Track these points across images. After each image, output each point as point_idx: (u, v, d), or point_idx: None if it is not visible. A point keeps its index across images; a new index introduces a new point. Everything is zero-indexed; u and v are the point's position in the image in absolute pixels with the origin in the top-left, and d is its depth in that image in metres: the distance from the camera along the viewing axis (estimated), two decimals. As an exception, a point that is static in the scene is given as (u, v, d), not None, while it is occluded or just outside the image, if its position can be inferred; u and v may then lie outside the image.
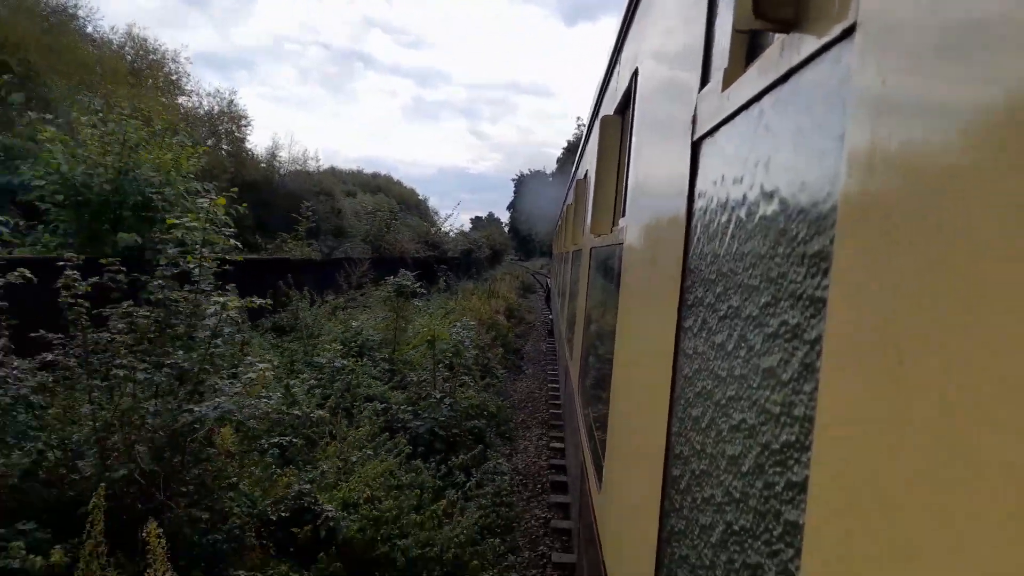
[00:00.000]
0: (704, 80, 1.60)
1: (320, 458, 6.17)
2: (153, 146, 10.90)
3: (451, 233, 37.52)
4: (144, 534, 3.52)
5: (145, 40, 26.64)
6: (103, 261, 4.94)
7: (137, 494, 4.26)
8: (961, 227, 0.56)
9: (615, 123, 4.38)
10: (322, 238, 21.94)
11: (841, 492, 0.70)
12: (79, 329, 4.56)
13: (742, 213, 1.18)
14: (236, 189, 7.07)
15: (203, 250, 5.15)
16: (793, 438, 0.86)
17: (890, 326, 0.62)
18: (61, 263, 4.59)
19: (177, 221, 5.26)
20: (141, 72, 24.46)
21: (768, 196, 1.04)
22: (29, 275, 4.64)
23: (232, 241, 5.42)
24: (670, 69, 2.16)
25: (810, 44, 0.88)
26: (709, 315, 1.37)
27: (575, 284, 7.78)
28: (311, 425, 6.60)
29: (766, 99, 1.09)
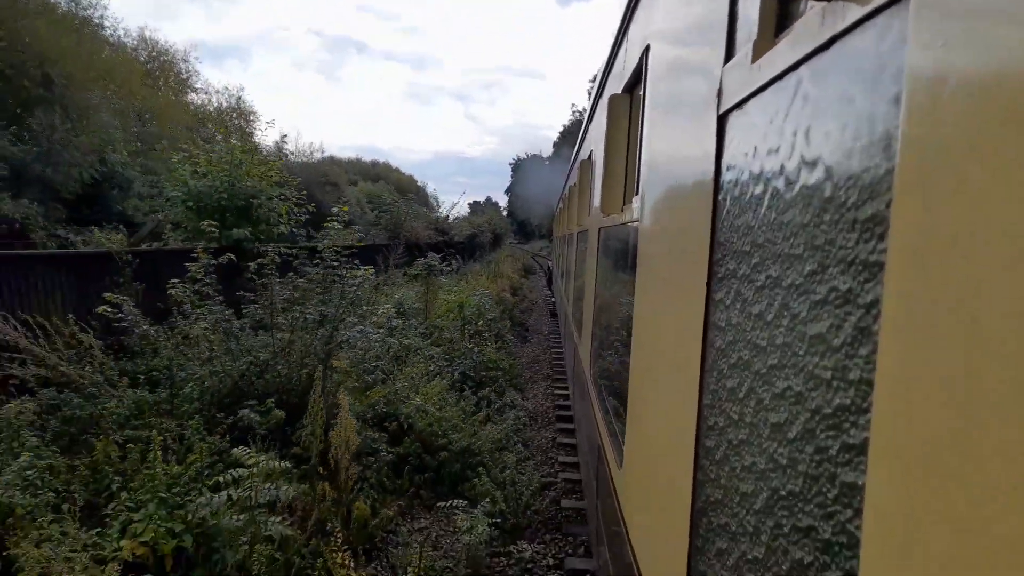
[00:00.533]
0: (729, 53, 1.60)
1: (397, 379, 8.80)
2: (249, 163, 14.33)
3: (450, 219, 40.53)
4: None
5: (156, 42, 30.10)
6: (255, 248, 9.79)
7: (304, 385, 7.36)
8: None
9: (623, 102, 4.36)
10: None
11: (904, 454, 0.71)
12: (267, 290, 8.07)
13: (779, 183, 1.19)
14: (305, 192, 10.67)
15: (333, 241, 8.64)
16: (848, 402, 0.87)
17: (962, 287, 0.63)
18: (254, 249, 9.65)
19: (330, 224, 8.72)
20: (154, 73, 27.10)
21: (811, 165, 1.04)
22: (234, 259, 8.51)
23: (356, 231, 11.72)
24: (688, 44, 2.16)
25: (857, 10, 0.88)
26: (744, 286, 1.38)
27: (582, 265, 7.79)
28: (390, 358, 9.66)
29: (804, 68, 1.09)
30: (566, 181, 15.40)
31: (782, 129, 1.18)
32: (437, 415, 7.80)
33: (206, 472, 5.18)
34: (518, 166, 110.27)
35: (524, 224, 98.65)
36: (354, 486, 6.03)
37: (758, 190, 1.32)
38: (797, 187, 1.10)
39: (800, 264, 1.07)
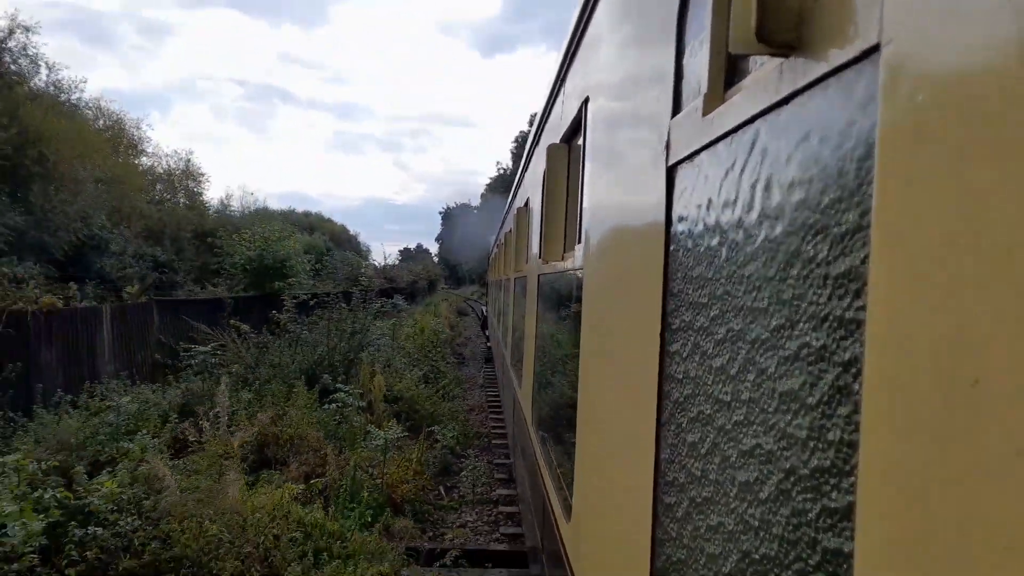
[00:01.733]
0: (677, 107, 1.62)
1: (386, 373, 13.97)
2: (279, 237, 24.66)
3: (376, 265, 49.04)
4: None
5: (111, 111, 34.82)
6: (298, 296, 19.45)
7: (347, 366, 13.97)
8: (1016, 240, 0.56)
9: (562, 151, 4.43)
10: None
11: (900, 518, 0.68)
12: (322, 319, 15.62)
13: (739, 235, 1.18)
14: (309, 256, 23.82)
15: (363, 289, 19.34)
16: (828, 463, 0.84)
17: (956, 347, 0.61)
18: (283, 298, 18.06)
19: (362, 278, 24.95)
20: (113, 140, 32.22)
21: (773, 218, 1.03)
22: (307, 299, 19.52)
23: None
24: (632, 97, 2.19)
25: (819, 66, 0.89)
26: (702, 338, 1.36)
27: (520, 311, 7.77)
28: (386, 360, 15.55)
29: (761, 122, 1.10)
30: (500, 227, 15.54)
31: (739, 181, 1.18)
32: (416, 392, 13.32)
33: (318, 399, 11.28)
34: (448, 215, 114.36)
35: (455, 270, 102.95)
36: (381, 416, 11.31)
37: (714, 241, 1.31)
38: (759, 239, 1.09)
39: (765, 318, 1.05)
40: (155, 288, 21.84)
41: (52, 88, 26.60)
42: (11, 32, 23.65)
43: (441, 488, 9.54)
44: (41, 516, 5.84)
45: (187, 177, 37.62)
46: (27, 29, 24.08)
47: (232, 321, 10.46)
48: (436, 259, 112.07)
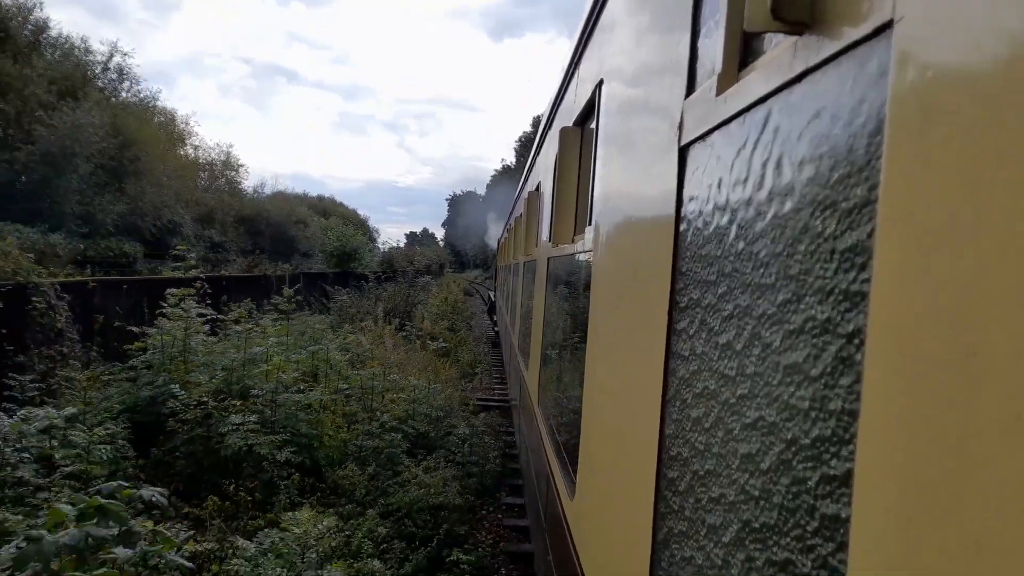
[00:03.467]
0: (691, 87, 1.63)
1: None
2: (353, 234, 39.84)
3: (383, 248, 57.64)
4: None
5: (167, 109, 41.98)
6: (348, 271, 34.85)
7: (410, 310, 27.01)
8: (1021, 217, 0.58)
9: (574, 134, 4.43)
10: (317, 256, 43.80)
11: (896, 483, 0.70)
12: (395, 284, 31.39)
13: (748, 213, 1.20)
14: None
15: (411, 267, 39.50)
16: (829, 432, 0.87)
17: (955, 319, 0.63)
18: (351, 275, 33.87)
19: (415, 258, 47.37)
20: (170, 136, 38.52)
21: (783, 195, 1.05)
22: (375, 275, 33.09)
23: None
24: (646, 79, 2.20)
25: (832, 44, 0.90)
26: (709, 315, 1.38)
27: (529, 294, 7.80)
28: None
29: (773, 101, 1.11)
30: (511, 212, 15.53)
31: (750, 160, 1.20)
32: (445, 334, 19.75)
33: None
34: (454, 201, 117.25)
35: (460, 255, 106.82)
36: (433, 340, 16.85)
37: (724, 220, 1.33)
38: (768, 216, 1.11)
39: (772, 293, 1.07)
40: (212, 264, 28.57)
41: (135, 96, 35.51)
42: (111, 56, 32.14)
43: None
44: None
45: (227, 168, 46.57)
46: (125, 54, 32.97)
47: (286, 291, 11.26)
48: (442, 244, 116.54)
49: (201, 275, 13.01)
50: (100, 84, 30.17)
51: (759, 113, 1.17)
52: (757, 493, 1.09)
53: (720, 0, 1.40)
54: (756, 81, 1.18)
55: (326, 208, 64.45)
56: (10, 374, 9.26)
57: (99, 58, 32.40)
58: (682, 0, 1.74)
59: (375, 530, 5.96)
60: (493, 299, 27.79)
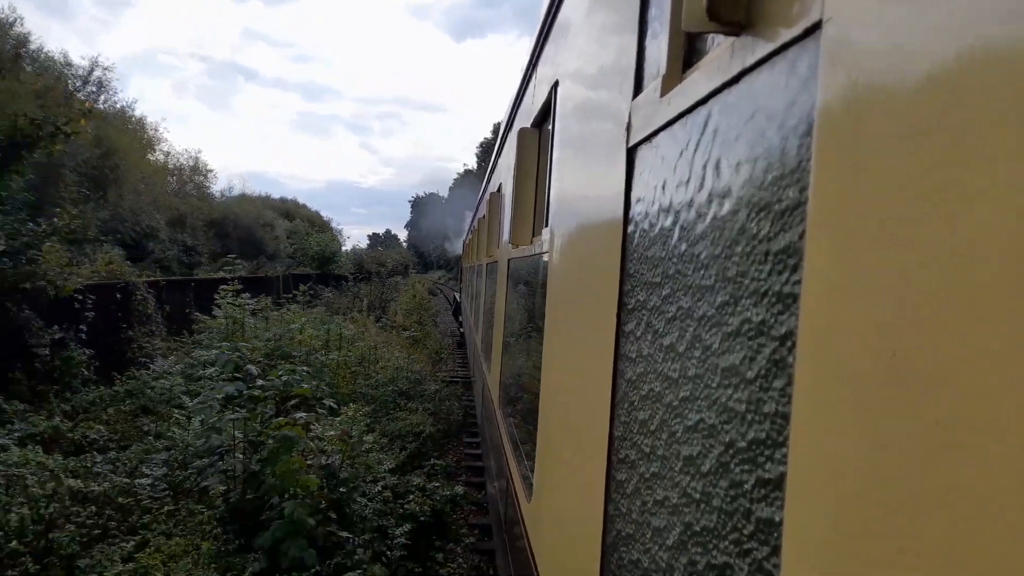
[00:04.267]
0: (638, 88, 1.62)
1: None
2: (331, 239, 55.44)
3: (351, 248, 67.58)
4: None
5: (137, 116, 43.37)
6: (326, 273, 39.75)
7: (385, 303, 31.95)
8: (946, 223, 0.57)
9: (532, 136, 4.42)
10: (282, 259, 46.28)
11: (825, 487, 0.70)
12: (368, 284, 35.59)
13: (690, 215, 1.19)
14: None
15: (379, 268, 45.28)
16: (763, 435, 0.86)
17: (879, 321, 0.63)
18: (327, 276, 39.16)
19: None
20: (142, 143, 39.69)
21: (721, 196, 1.05)
22: (349, 277, 39.70)
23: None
24: (597, 80, 2.19)
25: (765, 46, 0.90)
26: (654, 317, 1.38)
27: (491, 295, 7.78)
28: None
29: (713, 102, 1.11)
30: (475, 213, 15.52)
31: (692, 161, 1.19)
32: (415, 326, 22.12)
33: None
34: (417, 203, 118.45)
35: (424, 256, 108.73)
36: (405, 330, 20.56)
37: (668, 221, 1.32)
38: (708, 218, 1.10)
39: (712, 295, 1.07)
40: (187, 267, 31.60)
41: (110, 106, 36.84)
42: (91, 70, 33.76)
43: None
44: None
45: (195, 172, 48.82)
46: (105, 68, 34.32)
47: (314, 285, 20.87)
48: (405, 245, 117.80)
49: (233, 277, 17.27)
50: (81, 96, 30.97)
51: (700, 114, 1.17)
52: (698, 496, 1.08)
53: (665, 1, 1.40)
54: (698, 82, 1.17)
55: (288, 210, 65.81)
56: (133, 344, 15.14)
57: (80, 72, 34.39)
58: (631, 1, 1.74)
59: (380, 439, 8.92)
60: (459, 300, 27.97)
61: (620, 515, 1.54)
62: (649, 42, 1.60)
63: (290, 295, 21.70)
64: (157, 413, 10.00)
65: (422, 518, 6.68)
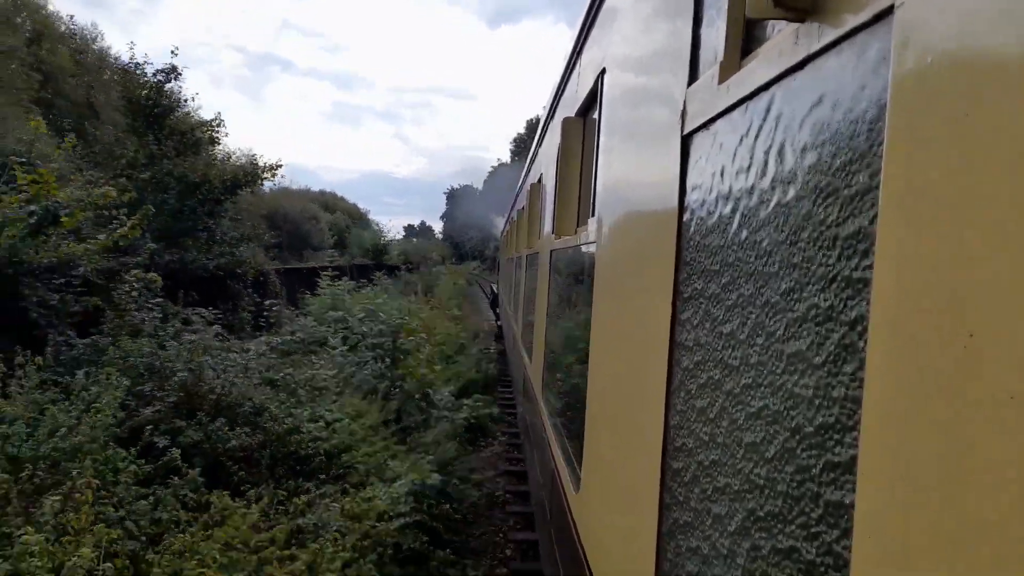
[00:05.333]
0: (693, 76, 1.62)
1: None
2: (383, 234, 64.70)
3: (393, 240, 69.72)
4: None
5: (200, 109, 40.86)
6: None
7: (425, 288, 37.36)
8: (1021, 204, 0.57)
9: (576, 125, 4.41)
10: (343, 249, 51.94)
11: (898, 469, 0.70)
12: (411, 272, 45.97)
13: (751, 202, 1.19)
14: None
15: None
16: (832, 419, 0.87)
17: (954, 303, 0.63)
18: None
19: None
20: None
21: (785, 182, 1.05)
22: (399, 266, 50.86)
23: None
24: (648, 68, 2.19)
25: (832, 31, 0.89)
26: (713, 305, 1.38)
27: (532, 286, 7.80)
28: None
29: (776, 88, 1.11)
30: (513, 204, 15.55)
31: (753, 148, 1.19)
32: (454, 309, 25.84)
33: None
34: (452, 195, 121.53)
35: (459, 247, 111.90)
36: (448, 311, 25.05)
37: (727, 209, 1.32)
38: (771, 205, 1.10)
39: (776, 282, 1.07)
40: (269, 259, 35.30)
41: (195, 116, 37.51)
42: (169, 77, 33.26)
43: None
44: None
45: (266, 170, 53.39)
46: (177, 74, 32.49)
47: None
48: (440, 236, 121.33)
49: (328, 266, 23.48)
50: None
51: (762, 101, 1.16)
52: (762, 482, 1.09)
53: None
54: (758, 69, 1.17)
55: (328, 203, 67.74)
56: (273, 309, 18.24)
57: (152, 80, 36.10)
58: None
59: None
60: (496, 291, 28.19)
61: (677, 503, 1.55)
62: (704, 29, 1.59)
63: (366, 280, 25.95)
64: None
65: (472, 420, 10.88)
